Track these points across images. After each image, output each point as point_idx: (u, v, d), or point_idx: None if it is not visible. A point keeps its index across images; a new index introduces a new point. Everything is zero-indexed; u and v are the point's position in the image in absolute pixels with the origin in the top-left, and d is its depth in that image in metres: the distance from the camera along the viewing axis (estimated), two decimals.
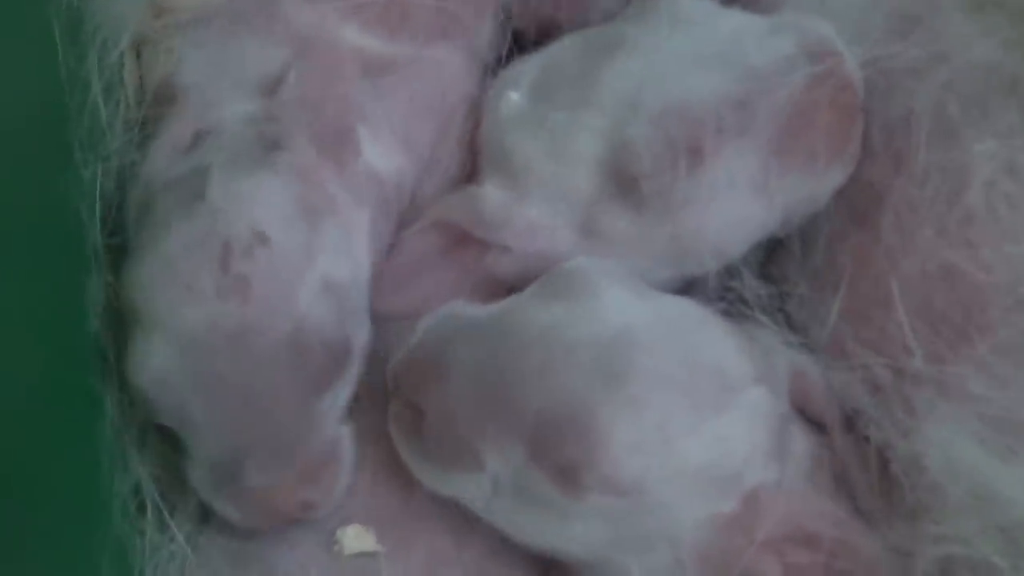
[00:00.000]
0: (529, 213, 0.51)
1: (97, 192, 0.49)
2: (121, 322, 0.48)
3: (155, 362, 0.43)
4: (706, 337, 0.45)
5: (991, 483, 0.45)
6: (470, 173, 0.55)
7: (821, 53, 0.49)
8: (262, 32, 0.49)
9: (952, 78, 0.48)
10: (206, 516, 0.49)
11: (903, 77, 0.50)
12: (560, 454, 0.42)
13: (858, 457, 0.48)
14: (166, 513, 0.48)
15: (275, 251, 0.43)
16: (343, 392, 0.47)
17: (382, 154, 0.50)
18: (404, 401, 0.47)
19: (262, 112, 0.47)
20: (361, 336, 0.47)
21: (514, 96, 0.53)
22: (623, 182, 0.49)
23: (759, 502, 0.44)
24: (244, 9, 0.50)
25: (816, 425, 0.49)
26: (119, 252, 0.48)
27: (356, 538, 0.47)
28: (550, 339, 0.44)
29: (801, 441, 0.47)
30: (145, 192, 0.47)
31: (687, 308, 0.47)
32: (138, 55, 0.51)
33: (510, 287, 0.50)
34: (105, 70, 0.50)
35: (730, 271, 0.52)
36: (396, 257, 0.52)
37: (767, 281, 0.53)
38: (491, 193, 0.52)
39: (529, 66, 0.54)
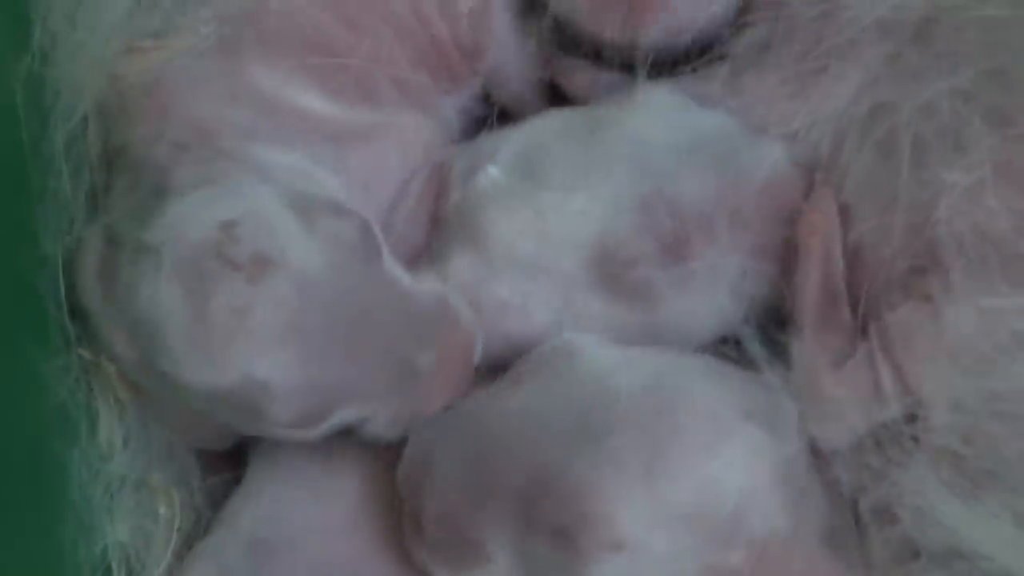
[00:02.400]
0: (500, 292, 0.50)
1: (59, 265, 0.49)
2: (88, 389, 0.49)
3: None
4: (690, 381, 0.45)
5: (963, 536, 0.44)
6: (428, 242, 0.54)
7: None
8: (224, 96, 0.50)
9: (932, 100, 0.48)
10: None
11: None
12: (553, 519, 0.42)
13: None
14: None
15: None
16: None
17: (326, 180, 0.50)
18: (409, 510, 0.46)
19: None
20: None
21: (493, 171, 0.52)
22: (606, 269, 0.50)
23: (768, 556, 0.43)
24: (206, 74, 0.50)
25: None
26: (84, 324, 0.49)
27: None
28: (529, 414, 0.44)
29: (820, 498, 0.46)
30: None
31: (670, 356, 0.47)
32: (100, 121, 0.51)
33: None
34: (67, 135, 0.50)
35: None
36: None
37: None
38: (460, 271, 0.51)
39: (508, 141, 0.53)
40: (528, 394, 0.45)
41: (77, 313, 0.48)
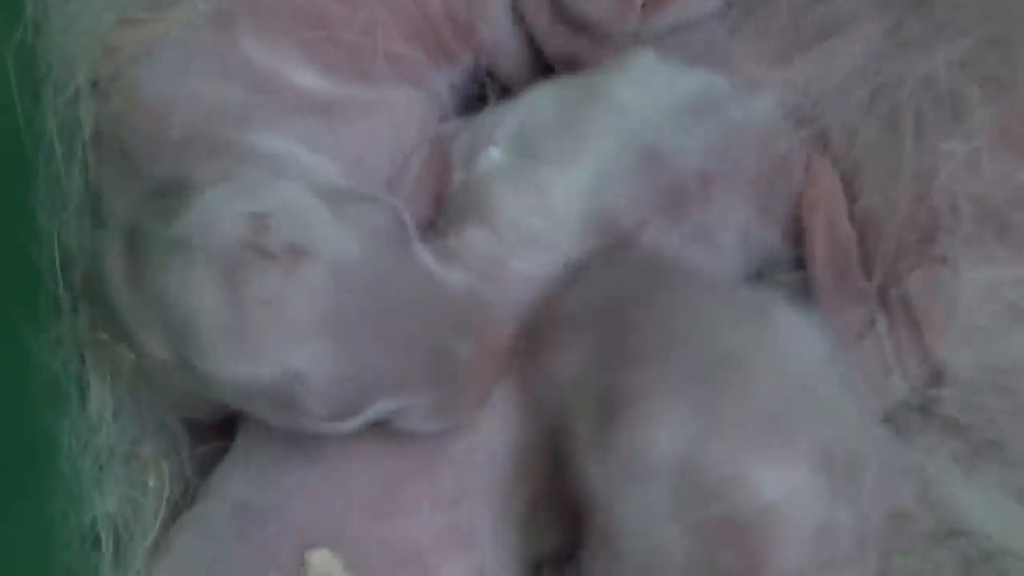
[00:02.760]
0: (520, 266, 0.50)
1: (55, 236, 0.49)
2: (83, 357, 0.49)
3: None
4: (816, 407, 0.42)
5: (965, 511, 0.44)
6: (431, 219, 0.54)
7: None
8: (216, 72, 0.49)
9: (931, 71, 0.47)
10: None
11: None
12: (615, 379, 0.42)
13: None
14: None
15: None
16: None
17: (322, 166, 0.50)
18: None
19: None
20: None
21: (495, 152, 0.52)
22: (611, 237, 0.49)
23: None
24: (199, 47, 0.50)
25: None
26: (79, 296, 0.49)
27: (323, 563, 0.46)
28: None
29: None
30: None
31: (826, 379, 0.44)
32: (93, 94, 0.51)
33: None
34: (61, 108, 0.50)
35: None
36: None
37: None
38: (473, 243, 0.50)
39: (504, 119, 0.53)
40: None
41: (107, 322, 0.47)
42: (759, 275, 0.52)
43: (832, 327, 0.46)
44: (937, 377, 0.45)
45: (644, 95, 0.51)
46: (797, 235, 0.50)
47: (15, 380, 0.47)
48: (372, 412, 0.43)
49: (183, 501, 0.50)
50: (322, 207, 0.42)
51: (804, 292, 0.49)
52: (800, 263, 0.50)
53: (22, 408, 0.47)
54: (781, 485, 0.39)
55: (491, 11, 0.56)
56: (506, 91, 0.58)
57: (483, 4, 0.56)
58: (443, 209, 0.53)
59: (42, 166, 0.50)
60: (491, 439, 0.48)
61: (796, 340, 0.43)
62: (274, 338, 0.40)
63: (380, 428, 0.45)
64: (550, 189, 0.50)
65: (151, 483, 0.50)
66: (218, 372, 0.41)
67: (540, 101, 0.53)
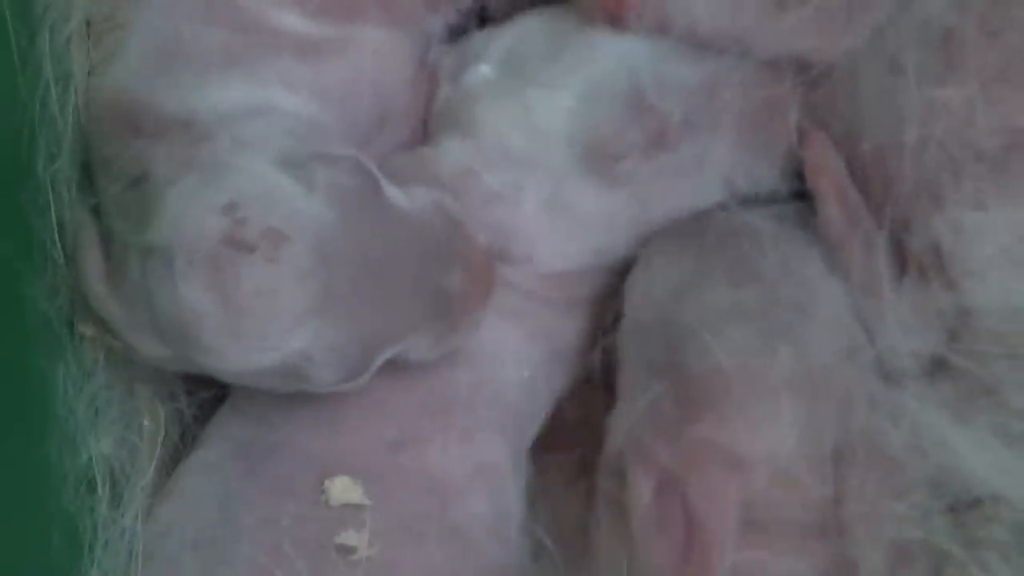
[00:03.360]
0: (491, 182, 0.51)
1: (49, 183, 0.48)
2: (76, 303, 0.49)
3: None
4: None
5: (956, 456, 0.44)
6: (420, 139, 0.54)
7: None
8: (202, 15, 0.49)
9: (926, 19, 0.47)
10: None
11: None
12: None
13: None
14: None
15: None
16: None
17: (314, 123, 0.49)
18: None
19: None
20: None
21: (484, 68, 0.53)
22: (595, 161, 0.50)
23: None
24: None
25: None
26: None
27: (344, 490, 0.46)
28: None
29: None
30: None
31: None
32: (87, 34, 0.51)
33: None
34: (56, 50, 0.50)
35: None
36: None
37: None
38: (449, 154, 0.51)
39: (496, 40, 0.54)
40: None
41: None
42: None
43: (857, 282, 0.47)
44: (965, 321, 0.45)
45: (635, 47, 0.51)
46: (795, 171, 0.51)
47: (10, 324, 0.47)
48: (379, 362, 0.44)
49: (182, 445, 0.50)
50: (288, 182, 0.42)
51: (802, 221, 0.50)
52: (799, 194, 0.51)
53: (17, 351, 0.47)
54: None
55: None
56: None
57: None
58: (427, 127, 0.55)
59: (38, 111, 0.49)
60: (495, 375, 0.49)
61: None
62: (272, 327, 0.41)
63: (383, 369, 0.45)
64: (535, 108, 0.51)
65: (146, 424, 0.50)
66: (222, 366, 0.42)
67: (533, 25, 0.54)
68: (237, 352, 0.41)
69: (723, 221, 0.51)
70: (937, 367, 0.46)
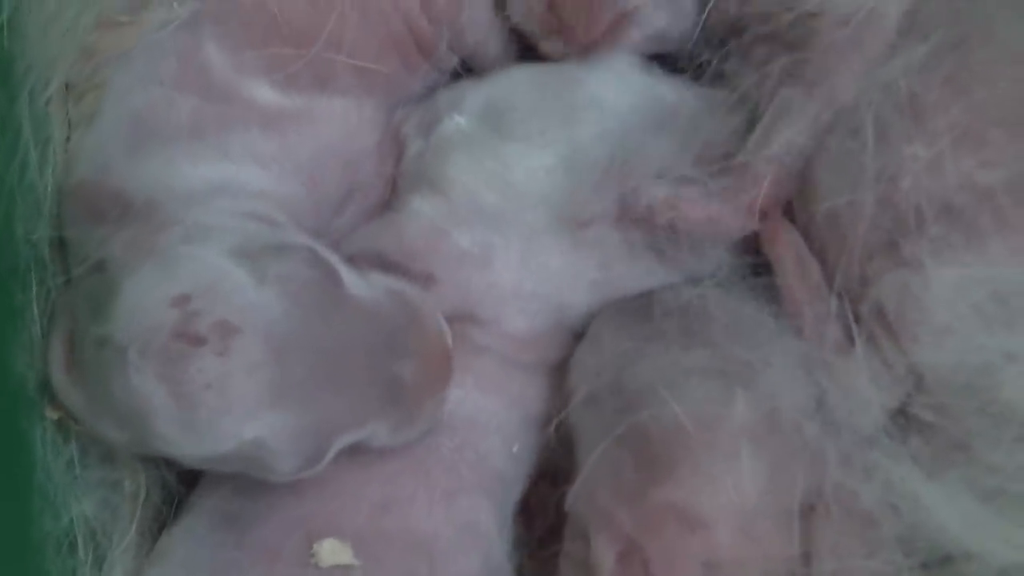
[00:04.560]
0: (461, 241, 0.51)
1: (27, 242, 0.49)
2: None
3: None
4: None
5: (929, 512, 0.45)
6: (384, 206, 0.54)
7: None
8: (176, 80, 0.49)
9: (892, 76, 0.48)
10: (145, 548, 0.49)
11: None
12: None
13: None
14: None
15: None
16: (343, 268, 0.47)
17: (276, 197, 0.50)
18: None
19: None
20: None
21: (460, 120, 0.53)
22: (566, 223, 0.51)
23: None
24: (166, 51, 0.50)
25: None
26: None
27: (333, 552, 0.47)
28: None
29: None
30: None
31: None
32: (67, 96, 0.51)
33: None
34: (36, 113, 0.50)
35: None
36: None
37: None
38: (419, 216, 0.51)
39: (475, 92, 0.54)
40: None
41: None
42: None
43: (812, 347, 0.47)
44: (919, 382, 0.45)
45: (619, 95, 0.52)
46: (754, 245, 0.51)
47: None
48: (335, 450, 0.44)
49: (164, 507, 0.50)
50: (240, 274, 0.42)
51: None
52: (757, 269, 0.51)
53: None
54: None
55: (474, 13, 0.56)
56: None
57: (464, 11, 0.56)
58: (394, 186, 0.54)
59: (16, 171, 0.49)
60: (476, 439, 0.49)
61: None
62: (224, 418, 0.41)
63: None
64: (514, 166, 0.51)
65: (127, 485, 0.50)
66: (179, 453, 0.43)
67: (517, 79, 0.54)
68: (191, 442, 0.42)
69: (670, 295, 0.51)
70: (908, 423, 0.46)
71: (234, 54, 0.50)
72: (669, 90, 0.53)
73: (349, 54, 0.51)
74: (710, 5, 0.54)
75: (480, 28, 0.56)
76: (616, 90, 0.52)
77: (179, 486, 0.51)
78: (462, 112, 0.53)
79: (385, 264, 0.51)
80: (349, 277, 0.45)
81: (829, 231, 0.49)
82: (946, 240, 0.45)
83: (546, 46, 0.55)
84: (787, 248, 0.50)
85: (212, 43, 0.50)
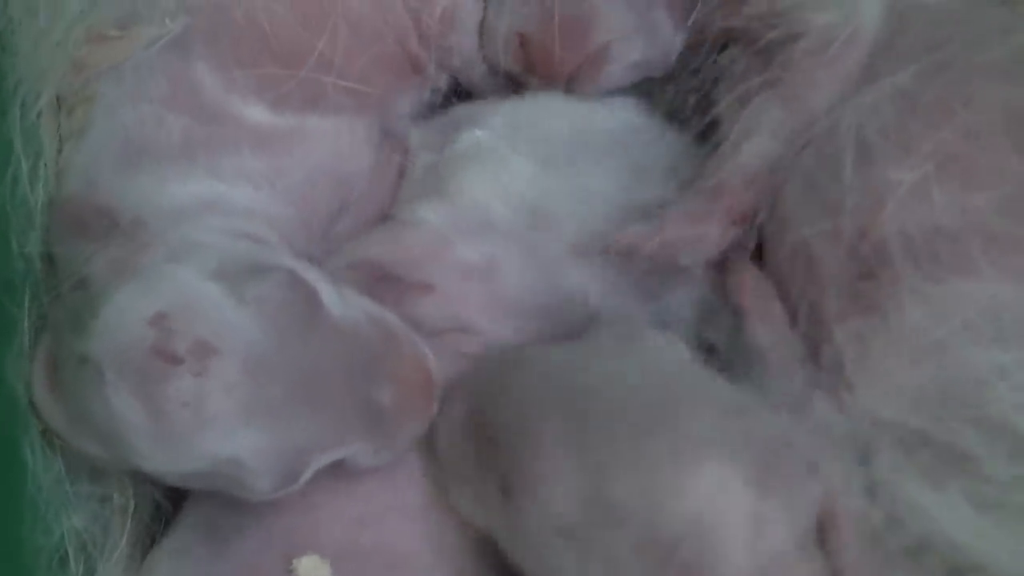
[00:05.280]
0: (466, 255, 0.51)
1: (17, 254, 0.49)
2: None
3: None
4: (696, 402, 0.44)
5: (935, 524, 0.44)
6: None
7: None
8: (166, 98, 0.49)
9: (876, 101, 0.48)
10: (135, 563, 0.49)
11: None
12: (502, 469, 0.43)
13: None
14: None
15: None
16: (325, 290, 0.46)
17: (268, 217, 0.50)
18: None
19: None
20: None
21: (480, 133, 0.53)
22: (573, 249, 0.51)
23: None
24: (156, 69, 0.50)
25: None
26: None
27: (312, 568, 0.46)
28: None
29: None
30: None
31: (700, 376, 0.46)
32: (58, 109, 0.51)
33: (428, 334, 0.49)
34: (27, 126, 0.50)
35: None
36: None
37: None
38: (422, 224, 0.51)
39: (497, 110, 0.54)
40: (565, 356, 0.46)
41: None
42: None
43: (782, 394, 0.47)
44: (916, 401, 0.45)
45: (633, 138, 0.53)
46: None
47: None
48: (313, 470, 0.44)
49: (153, 522, 0.50)
50: (218, 294, 0.42)
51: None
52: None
53: None
54: (698, 492, 0.40)
55: (462, 36, 0.56)
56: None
57: (457, 27, 0.56)
58: (400, 194, 0.55)
59: (8, 185, 0.49)
60: None
61: (654, 350, 0.46)
62: (199, 436, 0.41)
63: None
64: (528, 184, 0.51)
65: (116, 498, 0.50)
66: (156, 470, 0.43)
67: (542, 104, 0.54)
68: (167, 459, 0.42)
69: None
70: (911, 436, 0.45)
71: (225, 73, 0.50)
72: (672, 136, 0.55)
73: (340, 73, 0.51)
74: (692, 18, 0.54)
75: (467, 51, 0.57)
76: (626, 128, 0.54)
77: (167, 502, 0.51)
78: (483, 127, 0.53)
79: (382, 273, 0.51)
80: (330, 299, 0.45)
81: (798, 263, 0.49)
82: (932, 261, 0.45)
83: (525, 80, 0.55)
84: (753, 297, 0.50)
85: (202, 62, 0.50)
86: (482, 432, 0.45)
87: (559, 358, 0.46)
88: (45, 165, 0.50)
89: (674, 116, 0.57)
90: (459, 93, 0.59)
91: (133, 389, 0.41)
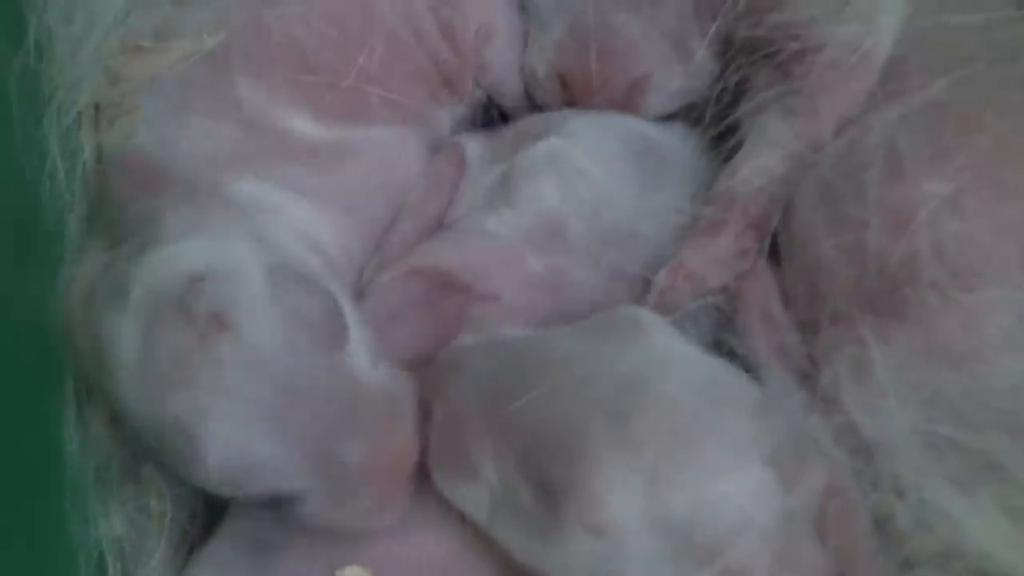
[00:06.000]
0: (534, 264, 0.51)
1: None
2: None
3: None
4: (734, 404, 0.44)
5: (963, 531, 0.44)
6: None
7: None
8: (211, 110, 0.50)
9: (906, 114, 0.48)
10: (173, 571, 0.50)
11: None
12: (545, 474, 0.42)
13: None
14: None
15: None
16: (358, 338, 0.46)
17: (326, 227, 0.50)
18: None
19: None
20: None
21: (555, 140, 0.53)
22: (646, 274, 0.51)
23: None
24: (196, 82, 0.50)
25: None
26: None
27: None
28: (572, 365, 0.44)
29: (819, 561, 0.44)
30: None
31: (729, 373, 0.46)
32: (95, 118, 0.51)
33: None
34: (62, 132, 0.50)
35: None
36: (367, 306, 0.51)
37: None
38: (493, 237, 0.51)
39: (565, 120, 0.55)
40: (577, 345, 0.45)
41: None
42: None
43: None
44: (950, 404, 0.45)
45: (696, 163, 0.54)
46: None
47: (16, 401, 0.47)
48: (261, 489, 0.43)
49: (189, 526, 0.50)
50: (262, 286, 0.43)
51: None
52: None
53: (26, 430, 0.47)
54: (744, 496, 0.41)
55: (496, 54, 0.57)
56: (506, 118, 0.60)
57: (489, 47, 0.57)
58: (461, 203, 0.54)
59: (45, 191, 0.50)
60: None
61: (677, 342, 0.45)
62: (174, 395, 0.42)
63: None
64: (604, 200, 0.51)
65: (153, 504, 0.50)
66: (123, 401, 0.43)
67: (620, 120, 0.55)
68: (135, 400, 0.43)
69: None
70: (940, 441, 0.46)
71: (267, 87, 0.50)
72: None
73: (379, 86, 0.52)
74: (714, 27, 0.55)
75: (502, 67, 0.57)
76: (684, 145, 0.55)
77: (204, 509, 0.51)
78: (560, 134, 0.53)
79: (448, 280, 0.50)
80: (356, 346, 0.45)
81: (818, 274, 0.49)
82: (966, 271, 0.45)
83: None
84: (754, 307, 0.50)
85: (244, 78, 0.50)
86: (506, 429, 0.44)
87: (586, 349, 0.45)
88: (81, 170, 0.50)
89: (695, 124, 0.57)
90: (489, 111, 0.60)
91: (142, 324, 0.42)
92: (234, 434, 0.42)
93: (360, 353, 0.45)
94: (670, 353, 0.45)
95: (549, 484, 0.42)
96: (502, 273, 0.50)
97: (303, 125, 0.51)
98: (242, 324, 0.42)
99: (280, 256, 0.45)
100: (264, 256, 0.44)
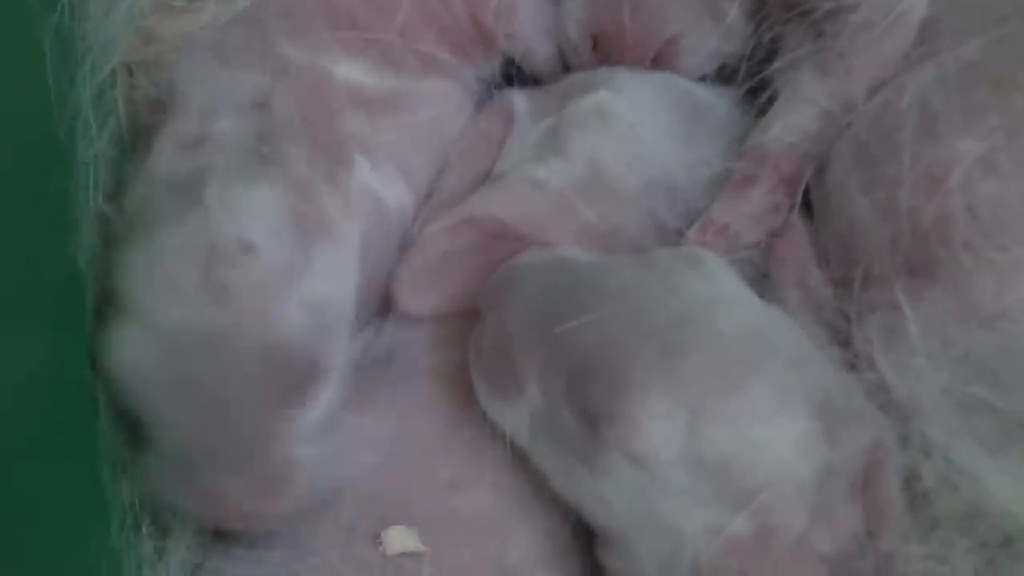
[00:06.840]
0: (586, 214, 0.51)
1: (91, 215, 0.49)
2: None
3: (130, 351, 0.44)
4: (788, 352, 0.44)
5: (989, 490, 0.45)
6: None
7: None
8: (254, 65, 0.50)
9: (940, 74, 0.48)
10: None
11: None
12: (590, 398, 0.42)
13: None
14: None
15: (260, 262, 0.44)
16: (312, 413, 0.46)
17: (384, 182, 0.51)
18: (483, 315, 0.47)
19: (256, 128, 0.48)
20: (336, 356, 0.47)
21: (606, 94, 0.53)
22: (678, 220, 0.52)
23: (772, 544, 0.42)
24: (235, 41, 0.50)
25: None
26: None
27: (399, 539, 0.47)
28: (630, 294, 0.44)
29: (851, 517, 0.44)
30: (145, 186, 0.47)
31: (786, 321, 0.46)
32: (130, 76, 0.51)
33: None
34: (95, 91, 0.50)
35: None
36: (417, 255, 0.51)
37: None
38: (544, 187, 0.51)
39: (614, 75, 0.55)
40: (637, 275, 0.45)
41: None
42: None
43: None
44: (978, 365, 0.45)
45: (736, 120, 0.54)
46: None
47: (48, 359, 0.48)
48: None
49: None
50: (299, 256, 0.45)
51: None
52: None
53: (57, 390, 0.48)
54: (786, 443, 0.41)
55: (521, 24, 0.57)
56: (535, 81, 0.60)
57: (514, 18, 0.57)
58: (508, 155, 0.54)
59: (78, 150, 0.50)
60: None
61: (735, 284, 0.46)
62: (152, 298, 0.44)
63: (425, 414, 0.46)
64: (651, 153, 0.52)
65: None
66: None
67: (668, 79, 0.55)
68: (141, 308, 0.44)
69: None
70: (969, 402, 0.46)
71: (310, 43, 0.50)
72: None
73: (415, 41, 0.52)
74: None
75: (530, 33, 0.57)
76: (729, 105, 0.55)
77: None
78: (609, 88, 0.53)
79: (501, 230, 0.50)
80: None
81: (852, 233, 0.49)
82: (999, 229, 0.45)
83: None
84: (787, 263, 0.51)
85: (283, 38, 0.50)
86: (556, 349, 0.44)
87: (645, 280, 0.45)
88: (117, 128, 0.50)
89: (728, 82, 0.58)
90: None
91: (183, 235, 0.44)
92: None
93: (298, 429, 0.45)
94: (728, 294, 0.45)
95: (593, 408, 0.42)
96: (556, 222, 0.50)
97: (353, 72, 0.51)
98: (246, 271, 0.43)
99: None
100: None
